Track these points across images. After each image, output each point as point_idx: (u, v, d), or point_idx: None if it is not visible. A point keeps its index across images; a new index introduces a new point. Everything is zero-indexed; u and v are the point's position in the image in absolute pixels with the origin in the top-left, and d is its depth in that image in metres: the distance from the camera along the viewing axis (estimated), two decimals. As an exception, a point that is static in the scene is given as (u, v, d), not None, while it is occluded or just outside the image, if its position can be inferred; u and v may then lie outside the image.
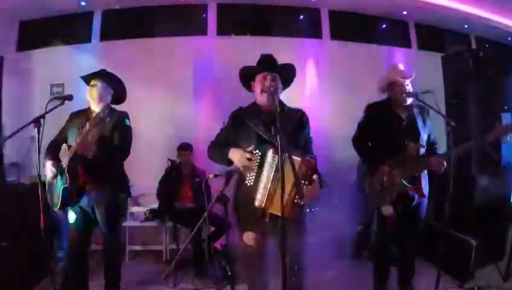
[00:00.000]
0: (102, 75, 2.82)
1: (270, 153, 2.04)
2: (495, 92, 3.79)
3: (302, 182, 1.93)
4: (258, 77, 2.27)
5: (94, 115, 2.71)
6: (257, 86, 2.27)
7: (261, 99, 2.25)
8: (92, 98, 2.75)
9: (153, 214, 4.41)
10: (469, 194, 3.48)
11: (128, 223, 4.46)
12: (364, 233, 3.98)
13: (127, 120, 2.78)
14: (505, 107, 3.87)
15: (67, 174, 2.59)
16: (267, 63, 2.27)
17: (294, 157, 1.89)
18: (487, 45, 6.22)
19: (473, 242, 3.19)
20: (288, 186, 1.88)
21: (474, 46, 6.00)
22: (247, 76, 2.34)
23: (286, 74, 2.33)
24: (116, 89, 2.87)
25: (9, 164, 4.16)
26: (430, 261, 3.35)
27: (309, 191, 1.98)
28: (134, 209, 4.68)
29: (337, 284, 3.27)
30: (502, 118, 3.76)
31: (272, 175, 2.02)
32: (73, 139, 2.68)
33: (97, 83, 2.76)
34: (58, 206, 2.64)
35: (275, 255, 1.93)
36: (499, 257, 3.47)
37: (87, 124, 2.49)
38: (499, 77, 3.83)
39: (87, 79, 2.82)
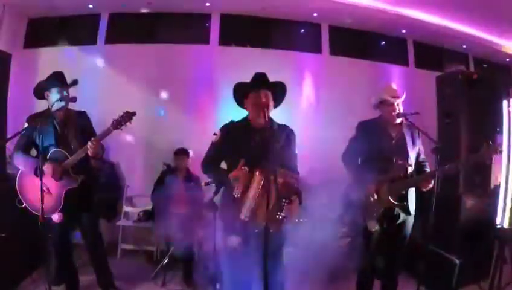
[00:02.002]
0: (64, 78, 2.87)
1: (257, 174, 2.16)
2: (488, 114, 3.85)
3: (283, 200, 2.09)
4: (251, 94, 2.36)
5: (61, 117, 2.82)
6: (250, 102, 2.37)
7: (253, 115, 2.36)
8: (60, 102, 2.75)
9: (146, 215, 4.49)
10: (455, 214, 3.54)
11: (121, 222, 4.55)
12: (349, 246, 4.04)
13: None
14: (497, 129, 3.92)
15: (76, 175, 2.71)
16: (260, 80, 2.36)
17: (278, 179, 2.05)
18: (485, 65, 6.31)
19: (456, 261, 3.26)
20: (271, 203, 2.03)
21: (472, 66, 6.10)
22: (240, 92, 2.43)
23: (277, 92, 2.41)
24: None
25: (11, 157, 4.22)
26: (413, 276, 3.41)
27: (289, 209, 2.13)
28: (128, 209, 4.76)
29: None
30: (496, 140, 3.80)
31: (258, 193, 2.15)
32: (50, 142, 2.76)
33: (64, 87, 2.82)
34: (59, 209, 2.72)
35: (256, 259, 2.06)
36: (483, 277, 3.53)
37: (110, 128, 2.66)
38: (492, 98, 3.89)
39: (47, 84, 2.84)
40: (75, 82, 2.87)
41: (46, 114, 2.75)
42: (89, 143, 2.61)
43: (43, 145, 2.69)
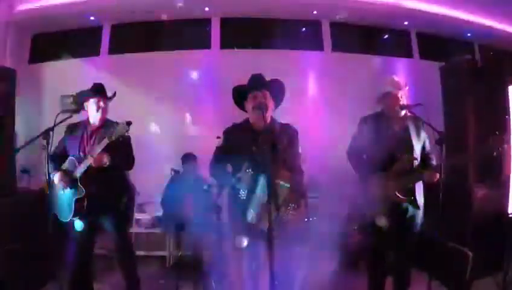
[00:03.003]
0: (103, 90, 2.95)
1: (262, 177, 2.16)
2: (495, 101, 3.78)
3: (291, 205, 2.14)
4: (250, 96, 2.37)
5: (95, 127, 2.89)
6: (249, 104, 2.37)
7: (253, 116, 2.37)
8: (97, 113, 2.87)
9: (157, 221, 4.53)
10: (466, 205, 3.48)
11: (133, 229, 4.60)
12: (360, 243, 4.01)
13: None
14: (506, 117, 3.84)
15: (81, 186, 2.70)
16: (256, 81, 2.37)
17: (284, 183, 2.11)
18: (492, 53, 6.18)
19: (469, 253, 3.21)
20: (278, 206, 2.09)
21: (477, 54, 5.99)
22: (239, 96, 2.45)
23: (276, 90, 2.42)
24: (110, 101, 3.01)
25: (21, 171, 4.32)
26: (425, 270, 3.36)
27: (296, 212, 2.19)
28: (140, 216, 4.83)
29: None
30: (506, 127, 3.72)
31: (263, 196, 2.15)
32: (75, 150, 2.83)
33: (102, 98, 2.90)
34: (70, 217, 2.75)
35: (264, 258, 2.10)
36: (497, 268, 3.46)
37: (106, 138, 2.63)
38: (499, 85, 3.83)
39: (86, 94, 2.92)
40: (113, 94, 2.97)
41: (81, 124, 2.92)
42: (88, 155, 2.66)
43: (68, 154, 2.84)
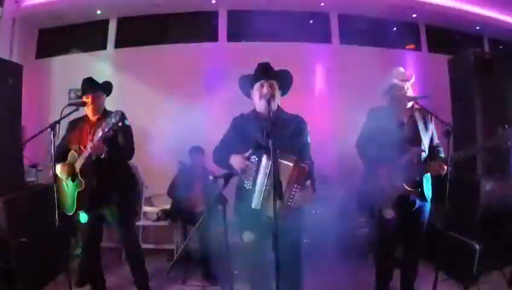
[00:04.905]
0: (98, 85, 3.01)
1: (264, 159, 2.15)
2: (502, 95, 3.74)
3: (295, 186, 2.05)
4: (256, 85, 2.36)
5: (94, 120, 2.93)
6: (255, 94, 2.37)
7: (260, 106, 2.36)
8: (92, 104, 2.93)
9: (165, 214, 4.57)
10: (474, 198, 3.45)
11: (141, 222, 4.64)
12: (368, 235, 4.01)
13: (126, 120, 2.75)
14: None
15: (81, 179, 2.72)
16: (264, 70, 2.35)
17: (286, 163, 2.03)
18: (501, 46, 6.11)
19: (476, 246, 3.20)
20: (282, 189, 2.02)
21: (487, 48, 5.91)
22: (246, 85, 2.43)
23: (283, 80, 2.41)
24: (108, 94, 3.09)
25: (29, 165, 4.36)
26: (433, 262, 3.36)
27: (301, 195, 2.10)
28: (147, 209, 4.86)
29: (342, 284, 3.34)
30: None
31: (266, 179, 2.13)
32: (76, 146, 2.85)
33: (98, 93, 2.96)
34: (74, 210, 2.78)
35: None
36: (505, 261, 3.44)
37: (99, 129, 2.62)
38: (507, 79, 3.79)
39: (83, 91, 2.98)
40: (103, 83, 3.03)
41: (82, 119, 2.98)
42: (87, 145, 2.68)
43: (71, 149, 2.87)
